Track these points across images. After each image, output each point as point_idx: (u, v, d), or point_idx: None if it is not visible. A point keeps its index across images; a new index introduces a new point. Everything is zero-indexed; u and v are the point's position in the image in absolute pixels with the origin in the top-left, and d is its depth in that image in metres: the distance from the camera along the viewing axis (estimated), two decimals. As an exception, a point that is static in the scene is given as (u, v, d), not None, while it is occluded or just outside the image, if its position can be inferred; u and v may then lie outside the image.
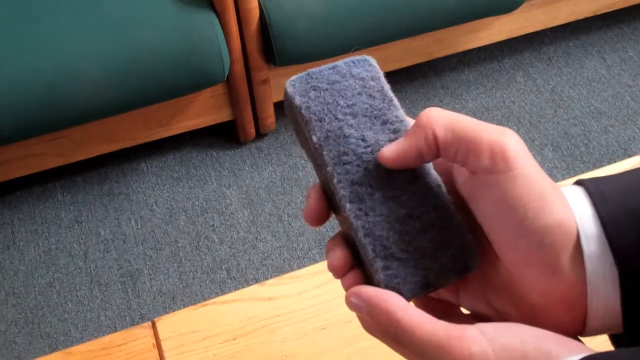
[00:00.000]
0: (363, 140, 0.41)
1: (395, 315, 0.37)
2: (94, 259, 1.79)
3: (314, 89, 0.43)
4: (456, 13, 1.84)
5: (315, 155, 0.42)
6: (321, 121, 0.42)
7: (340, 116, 0.42)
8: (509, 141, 0.37)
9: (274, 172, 1.94)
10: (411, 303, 0.39)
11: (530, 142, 1.97)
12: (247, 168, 1.96)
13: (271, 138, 2.02)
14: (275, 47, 1.71)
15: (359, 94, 0.43)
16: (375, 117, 0.42)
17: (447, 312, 0.42)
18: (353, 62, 0.44)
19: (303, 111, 0.42)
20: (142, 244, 1.81)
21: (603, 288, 0.37)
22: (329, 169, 0.41)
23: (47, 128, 1.69)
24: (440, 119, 0.39)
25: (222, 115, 1.92)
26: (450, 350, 0.35)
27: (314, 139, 0.41)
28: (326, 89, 0.43)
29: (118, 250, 1.80)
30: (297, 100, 0.42)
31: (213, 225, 1.84)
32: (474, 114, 2.03)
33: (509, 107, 2.06)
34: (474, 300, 0.42)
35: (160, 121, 1.85)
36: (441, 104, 2.07)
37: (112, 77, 1.62)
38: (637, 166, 0.68)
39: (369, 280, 0.40)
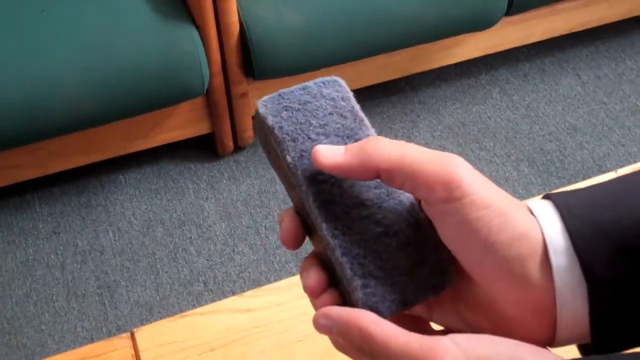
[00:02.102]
0: None
1: (368, 330, 0.37)
2: (71, 270, 1.78)
3: (286, 109, 0.43)
4: (433, 29, 1.87)
5: (289, 176, 0.42)
6: (294, 141, 0.42)
7: (313, 136, 0.42)
8: (459, 170, 0.38)
9: (252, 185, 1.95)
10: None
11: (506, 157, 1.99)
12: (224, 181, 1.96)
13: (249, 151, 2.03)
14: (254, 62, 1.72)
15: (331, 113, 0.43)
16: (347, 137, 0.43)
17: (418, 327, 0.42)
18: (323, 83, 0.44)
19: (276, 131, 0.42)
20: (119, 256, 1.81)
21: (572, 301, 0.37)
22: (303, 188, 0.41)
23: (25, 139, 1.68)
24: (386, 152, 0.39)
25: (201, 128, 1.93)
26: None
27: (288, 158, 0.41)
28: (298, 109, 0.43)
29: (95, 262, 1.79)
30: (270, 120, 0.42)
31: (190, 237, 1.84)
32: (450, 129, 2.05)
33: (485, 123, 2.08)
34: (447, 316, 0.42)
35: (138, 133, 1.85)
36: (418, 119, 2.09)
37: (91, 90, 1.62)
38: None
39: (344, 300, 0.41)
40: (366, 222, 0.41)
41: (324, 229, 0.40)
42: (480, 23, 1.92)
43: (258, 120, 0.43)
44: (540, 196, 0.41)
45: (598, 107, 2.12)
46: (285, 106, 0.43)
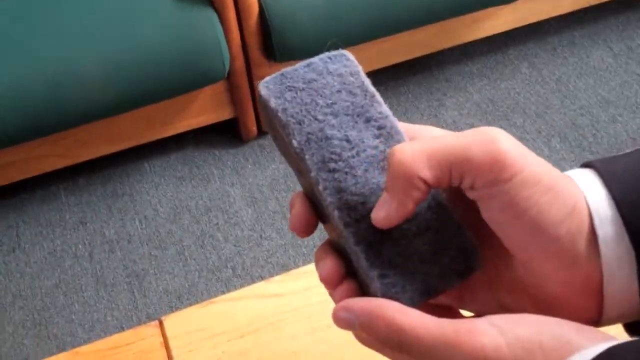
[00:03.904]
0: (347, 141, 0.39)
1: (395, 320, 0.34)
2: (99, 260, 1.78)
3: (289, 90, 0.40)
4: (458, 3, 1.83)
5: (296, 161, 0.39)
6: (300, 124, 0.39)
7: (320, 117, 0.39)
8: (502, 146, 0.35)
9: (277, 169, 1.93)
10: None
11: (537, 133, 1.95)
12: (249, 166, 1.94)
13: (274, 135, 2.01)
14: (275, 43, 1.70)
15: (339, 91, 0.40)
16: (357, 115, 0.39)
17: (447, 317, 0.39)
18: (329, 58, 0.41)
19: (280, 114, 0.39)
20: (147, 244, 1.80)
21: (620, 273, 0.35)
22: (312, 174, 0.38)
23: (49, 129, 1.68)
24: (418, 158, 0.35)
25: (224, 113, 1.91)
26: (461, 347, 0.32)
27: (294, 143, 0.38)
28: (303, 89, 0.40)
29: (123, 251, 1.79)
30: (273, 103, 0.39)
31: (217, 223, 1.83)
32: (478, 107, 2.01)
33: (514, 99, 2.04)
34: (483, 302, 0.40)
35: (162, 120, 1.84)
36: (444, 97, 2.05)
37: (113, 77, 1.61)
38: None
39: (363, 291, 0.38)
40: None
41: (336, 216, 0.37)
42: (507, -4, 1.88)
43: (261, 104, 0.41)
44: (580, 165, 0.38)
45: (631, 79, 2.07)
46: (289, 86, 0.40)
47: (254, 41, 1.75)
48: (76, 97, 1.61)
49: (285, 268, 1.73)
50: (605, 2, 2.15)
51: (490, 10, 1.96)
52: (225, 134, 2.02)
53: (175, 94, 1.73)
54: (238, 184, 1.91)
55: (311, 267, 0.69)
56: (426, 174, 0.35)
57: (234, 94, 1.86)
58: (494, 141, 0.35)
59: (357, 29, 1.74)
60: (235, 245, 1.78)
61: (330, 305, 0.65)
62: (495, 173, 0.35)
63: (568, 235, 0.35)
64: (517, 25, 2.08)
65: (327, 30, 1.71)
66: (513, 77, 2.11)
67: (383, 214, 0.36)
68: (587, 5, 2.12)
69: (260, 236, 1.80)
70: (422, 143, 0.36)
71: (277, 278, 0.68)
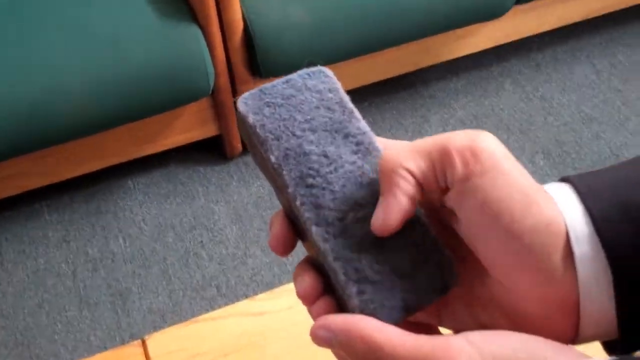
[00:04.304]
0: (325, 156, 0.39)
1: (373, 338, 0.33)
2: (82, 279, 1.76)
3: (268, 106, 0.40)
4: (443, 20, 1.84)
5: (275, 177, 0.39)
6: (278, 139, 0.39)
7: (298, 132, 0.39)
8: (480, 142, 0.35)
9: (262, 186, 1.92)
10: None
11: (520, 150, 1.96)
12: (234, 183, 1.94)
13: (259, 152, 2.00)
14: (260, 59, 1.70)
15: (317, 107, 0.40)
16: (336, 131, 0.40)
17: (426, 334, 0.39)
18: (308, 75, 0.42)
19: (258, 130, 0.39)
20: (130, 262, 1.78)
21: (597, 292, 0.34)
22: (290, 190, 0.38)
23: (32, 147, 1.67)
24: (402, 151, 0.36)
25: (209, 130, 1.91)
26: None
27: (272, 158, 0.39)
28: (281, 105, 0.40)
29: (107, 269, 1.77)
30: (251, 119, 0.39)
31: (202, 241, 1.82)
32: (462, 123, 2.02)
33: (498, 115, 2.05)
34: (460, 319, 0.39)
35: (146, 138, 1.83)
36: (429, 113, 2.06)
37: (97, 93, 1.60)
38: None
39: (341, 308, 0.37)
40: (360, 223, 0.37)
41: (314, 232, 0.37)
42: (491, 12, 1.89)
43: (239, 120, 0.41)
44: (558, 180, 0.38)
45: (614, 95, 2.08)
46: (267, 102, 0.40)
47: (238, 58, 1.74)
48: (61, 114, 1.60)
49: (270, 286, 1.72)
50: (588, 20, 2.17)
51: (473, 27, 1.97)
52: (210, 151, 2.01)
53: (160, 110, 1.73)
54: (223, 201, 1.90)
55: (296, 285, 0.68)
56: (411, 164, 0.36)
57: (219, 111, 1.85)
58: (475, 136, 0.36)
59: (342, 46, 1.75)
60: (219, 264, 1.77)
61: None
62: (467, 165, 0.35)
63: (543, 248, 0.34)
64: (500, 42, 2.09)
65: (312, 47, 1.72)
66: (497, 93, 2.12)
67: (380, 215, 0.36)
68: (570, 22, 2.14)
69: (245, 254, 1.79)
70: (408, 142, 0.37)
71: (261, 296, 0.68)
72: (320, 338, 0.35)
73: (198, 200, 1.90)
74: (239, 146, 1.96)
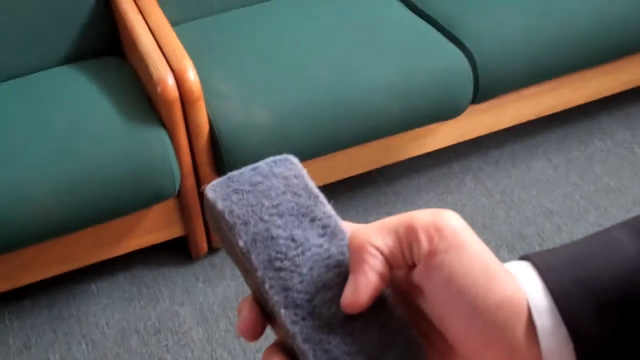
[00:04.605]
0: (292, 240, 0.40)
1: None
2: (42, 388, 1.70)
3: (236, 192, 0.41)
4: (401, 121, 1.88)
5: (243, 261, 0.40)
6: (246, 224, 0.40)
7: (266, 217, 0.40)
8: (443, 219, 0.37)
9: (228, 287, 1.90)
10: None
11: (485, 243, 1.97)
12: (200, 284, 1.92)
13: (224, 252, 1.99)
14: (225, 160, 1.71)
15: (284, 192, 0.41)
16: (302, 215, 0.41)
17: None
18: (274, 162, 0.43)
19: (226, 216, 0.40)
20: (93, 369, 1.73)
21: None
22: (259, 274, 0.38)
23: (-8, 251, 1.64)
24: (370, 230, 0.38)
25: (174, 231, 1.90)
26: None
27: (241, 243, 0.39)
28: (249, 191, 0.41)
29: (67, 377, 1.72)
30: (220, 205, 0.40)
31: (167, 345, 1.78)
32: (427, 219, 2.03)
33: (461, 211, 2.07)
34: None
35: (110, 240, 1.82)
36: (393, 210, 2.08)
37: (61, 197, 1.60)
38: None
39: None
40: (328, 305, 0.38)
41: (282, 315, 0.38)
42: (448, 112, 1.94)
43: (208, 207, 0.41)
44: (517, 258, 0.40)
45: (572, 189, 2.13)
46: (235, 189, 0.41)
47: (204, 159, 1.76)
48: (23, 219, 1.58)
49: (237, 389, 1.68)
50: (543, 117, 2.24)
51: (433, 126, 2.02)
52: (175, 252, 1.99)
53: (125, 212, 1.72)
54: (188, 303, 1.87)
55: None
56: (379, 241, 0.37)
57: (185, 212, 1.85)
58: (439, 213, 0.37)
59: (305, 145, 1.77)
60: (185, 367, 1.73)
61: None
62: (435, 242, 0.36)
63: (507, 324, 0.35)
64: (459, 140, 2.14)
65: (276, 147, 1.74)
66: (459, 189, 2.15)
67: (350, 292, 0.37)
68: (525, 119, 2.20)
69: (212, 357, 1.75)
70: (376, 222, 0.38)
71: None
72: None
73: (163, 303, 1.88)
74: (205, 246, 1.95)
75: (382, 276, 0.38)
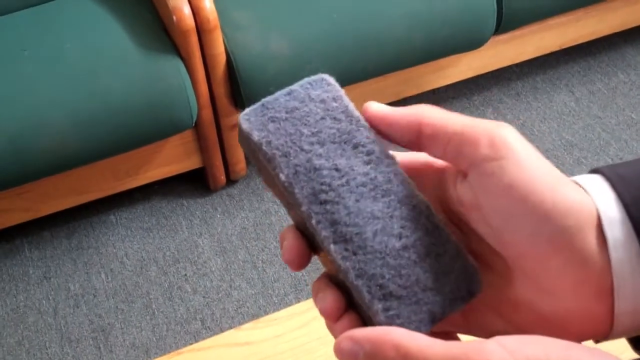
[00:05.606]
0: (336, 170, 0.37)
1: (403, 344, 0.32)
2: (63, 315, 1.73)
3: (272, 121, 0.38)
4: (422, 51, 1.85)
5: (285, 195, 0.37)
6: (286, 156, 0.37)
7: (306, 147, 0.38)
8: (508, 131, 0.35)
9: (246, 218, 1.91)
10: None
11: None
12: (218, 216, 1.92)
13: (242, 184, 1.99)
14: (243, 92, 1.70)
15: (323, 118, 0.39)
16: (344, 142, 0.38)
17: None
18: (310, 84, 0.40)
19: (264, 147, 0.37)
20: (113, 298, 1.76)
21: (630, 279, 0.34)
22: (304, 208, 0.36)
23: (12, 182, 1.65)
24: (432, 110, 0.38)
25: (192, 163, 1.90)
26: None
27: (282, 177, 0.37)
28: (286, 119, 0.38)
29: (88, 305, 1.75)
30: (256, 136, 0.38)
31: (185, 275, 1.80)
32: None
33: (481, 144, 2.05)
34: (488, 324, 0.38)
35: (128, 171, 1.82)
36: (413, 143, 2.06)
37: (78, 128, 1.59)
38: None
39: (366, 323, 0.36)
40: (379, 237, 0.36)
41: (332, 251, 0.36)
42: (470, 43, 1.91)
43: (242, 137, 0.39)
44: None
45: (593, 122, 2.10)
46: (271, 117, 0.38)
47: (221, 90, 1.74)
48: (40, 149, 1.58)
49: (256, 318, 1.70)
50: (566, 48, 2.20)
51: (455, 57, 1.98)
52: (193, 184, 2.00)
53: (143, 143, 1.72)
54: (207, 233, 1.88)
55: (282, 314, 0.67)
56: (426, 122, 0.38)
57: (202, 143, 1.85)
58: (503, 124, 0.36)
59: (324, 76, 1.75)
60: (204, 297, 1.75)
61: (302, 351, 0.63)
62: (495, 148, 0.35)
63: (578, 228, 0.34)
64: (481, 72, 2.11)
65: (295, 79, 1.71)
66: (479, 122, 2.13)
67: (375, 108, 0.40)
68: (548, 51, 2.16)
69: (230, 286, 1.77)
70: (442, 110, 0.39)
71: (246, 326, 0.66)
72: (345, 351, 0.34)
73: (181, 234, 1.89)
74: (223, 178, 1.95)
75: (400, 126, 0.39)
